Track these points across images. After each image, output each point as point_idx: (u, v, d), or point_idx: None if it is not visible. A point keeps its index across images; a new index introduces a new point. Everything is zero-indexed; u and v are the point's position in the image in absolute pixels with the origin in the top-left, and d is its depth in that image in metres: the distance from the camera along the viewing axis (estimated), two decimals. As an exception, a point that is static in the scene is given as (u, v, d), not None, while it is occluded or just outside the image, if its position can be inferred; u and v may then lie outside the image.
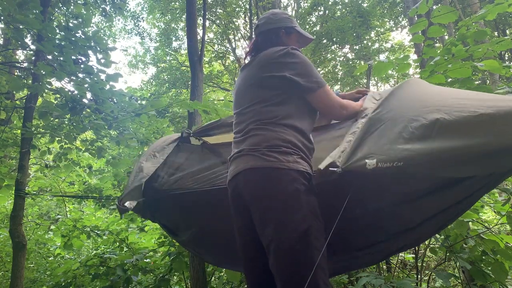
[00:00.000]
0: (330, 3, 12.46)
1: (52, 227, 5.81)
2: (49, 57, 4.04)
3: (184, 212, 2.14)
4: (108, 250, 4.27)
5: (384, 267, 3.14)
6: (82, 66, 3.93)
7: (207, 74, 13.79)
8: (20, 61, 5.83)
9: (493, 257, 2.13)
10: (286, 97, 1.37)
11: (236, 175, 1.33)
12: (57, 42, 3.78)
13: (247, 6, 11.92)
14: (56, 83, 4.47)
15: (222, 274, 3.54)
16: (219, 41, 14.51)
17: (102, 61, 4.07)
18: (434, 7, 2.63)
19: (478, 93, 1.19)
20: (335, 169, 1.09)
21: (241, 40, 13.94)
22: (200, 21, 8.88)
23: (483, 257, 2.19)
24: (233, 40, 14.06)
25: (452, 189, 1.26)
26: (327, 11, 12.52)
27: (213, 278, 3.61)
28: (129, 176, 2.18)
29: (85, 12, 4.70)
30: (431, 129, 1.03)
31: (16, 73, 5.41)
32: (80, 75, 3.93)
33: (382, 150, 1.07)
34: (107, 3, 6.31)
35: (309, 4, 12.73)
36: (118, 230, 4.24)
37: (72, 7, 5.41)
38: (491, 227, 2.50)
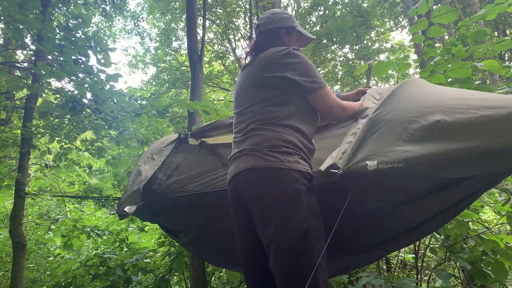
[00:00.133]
0: (330, 3, 12.46)
1: (52, 227, 5.81)
2: (49, 57, 4.04)
3: (184, 214, 2.14)
4: (108, 250, 4.27)
5: (384, 267, 3.14)
6: (82, 66, 3.93)
7: (207, 74, 13.79)
8: (20, 61, 5.82)
9: (493, 257, 2.13)
10: (286, 98, 1.37)
11: (236, 175, 1.33)
12: (57, 42, 3.78)
13: (247, 6, 11.92)
14: (56, 83, 4.47)
15: (222, 274, 3.54)
16: (219, 41, 14.52)
17: (102, 61, 4.07)
18: (434, 7, 2.63)
19: (479, 92, 1.19)
20: (336, 170, 1.09)
21: (241, 40, 13.95)
22: (200, 21, 8.88)
23: (483, 257, 2.19)
24: (233, 40, 14.07)
25: (452, 189, 1.26)
26: (327, 11, 12.52)
27: (213, 278, 3.61)
28: (128, 179, 2.18)
29: (85, 12, 4.70)
30: (431, 130, 1.03)
31: (16, 73, 5.40)
32: (80, 75, 3.93)
33: (383, 151, 1.07)
34: (107, 3, 6.31)
35: (309, 4, 12.73)
36: (118, 230, 4.24)
37: (72, 7, 5.41)
38: (491, 227, 2.50)
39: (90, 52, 3.99)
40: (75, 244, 4.46)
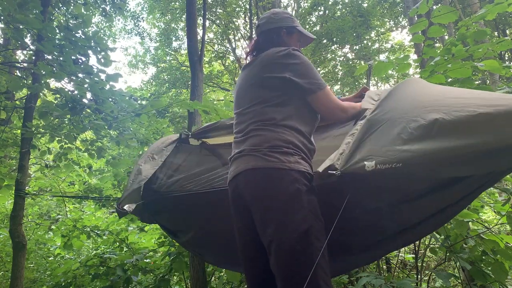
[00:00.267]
0: (330, 3, 12.46)
1: (52, 227, 5.81)
2: (49, 57, 4.04)
3: (183, 214, 2.14)
4: (108, 250, 4.27)
5: (384, 267, 3.14)
6: (82, 66, 3.93)
7: (207, 74, 13.79)
8: (20, 61, 5.82)
9: (493, 257, 2.13)
10: (286, 98, 1.37)
11: (236, 175, 1.33)
12: (57, 42, 3.78)
13: (247, 6, 11.92)
14: (56, 83, 4.47)
15: (222, 274, 3.54)
16: (219, 41, 14.52)
17: (102, 60, 4.07)
18: (434, 7, 2.63)
19: (477, 91, 1.19)
20: (334, 171, 1.09)
21: (241, 40, 13.95)
22: (200, 21, 8.88)
23: (483, 257, 2.19)
24: (233, 40, 14.06)
25: (451, 189, 1.26)
26: (327, 11, 12.52)
27: (213, 278, 3.61)
28: (128, 179, 2.19)
29: (85, 12, 4.70)
30: (430, 129, 1.02)
31: (16, 73, 5.40)
32: (80, 75, 3.93)
33: (381, 152, 1.07)
34: (107, 3, 6.31)
35: (309, 4, 12.73)
36: (118, 230, 4.24)
37: (72, 7, 5.41)
38: (491, 227, 2.50)
39: (90, 52, 3.99)
40: (75, 244, 4.46)
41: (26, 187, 4.24)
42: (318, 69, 12.23)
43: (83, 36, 3.99)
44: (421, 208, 1.39)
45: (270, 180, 1.24)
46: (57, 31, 3.82)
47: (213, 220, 1.99)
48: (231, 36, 13.93)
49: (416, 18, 5.17)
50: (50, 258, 5.92)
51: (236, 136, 1.47)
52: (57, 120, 4.15)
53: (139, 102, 4.91)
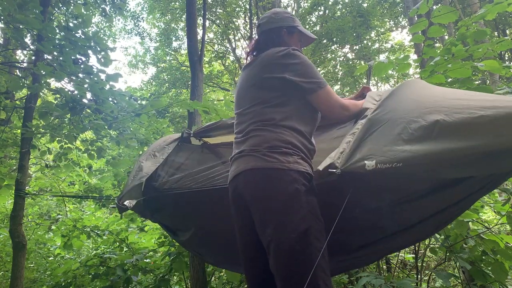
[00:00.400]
0: (330, 3, 12.46)
1: (52, 227, 5.81)
2: (49, 57, 4.04)
3: (184, 212, 2.14)
4: (108, 250, 4.27)
5: (384, 267, 3.14)
6: (82, 66, 3.93)
7: (207, 74, 13.79)
8: (20, 61, 5.82)
9: (493, 257, 2.13)
10: (286, 99, 1.37)
11: (236, 175, 1.34)
12: (57, 42, 3.78)
13: (247, 6, 11.93)
14: (56, 83, 4.47)
15: (222, 274, 3.54)
16: (219, 41, 14.52)
17: (102, 60, 4.07)
18: (434, 7, 2.63)
19: (478, 93, 1.18)
20: (334, 170, 1.08)
21: (241, 40, 13.95)
22: (200, 21, 8.88)
23: (483, 257, 2.19)
24: (233, 40, 14.06)
25: (451, 190, 1.26)
26: (327, 11, 12.52)
27: (213, 278, 3.61)
28: (129, 175, 2.19)
29: (85, 12, 4.70)
30: (430, 130, 1.02)
31: (16, 73, 5.41)
32: (80, 75, 3.93)
33: (381, 151, 1.07)
34: (107, 3, 6.31)
35: (309, 4, 12.73)
36: (118, 230, 4.24)
37: (72, 7, 5.41)
38: (491, 227, 2.50)
39: (90, 52, 3.99)
40: (75, 244, 4.46)
41: (26, 187, 4.24)
42: (318, 69, 12.24)
43: (83, 36, 3.99)
44: (421, 209, 1.39)
45: (269, 180, 1.24)
46: (57, 31, 3.82)
47: (213, 219, 1.99)
48: (231, 36, 13.93)
49: (416, 18, 5.17)
50: (50, 258, 5.92)
51: (236, 136, 1.47)
52: (57, 120, 4.15)
53: (139, 102, 4.91)
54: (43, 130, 4.15)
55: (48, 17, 4.52)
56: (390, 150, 1.05)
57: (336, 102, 1.41)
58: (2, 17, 3.89)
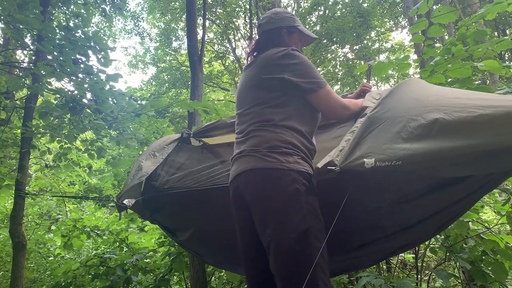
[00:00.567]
0: (330, 3, 12.46)
1: (52, 227, 5.81)
2: (49, 57, 4.04)
3: (184, 211, 2.14)
4: (108, 250, 4.27)
5: (384, 267, 3.14)
6: (82, 66, 3.93)
7: (207, 74, 13.79)
8: (20, 61, 5.82)
9: (493, 257, 2.13)
10: (286, 99, 1.37)
11: (237, 175, 1.34)
12: (57, 42, 3.78)
13: (247, 6, 11.93)
14: (56, 83, 4.47)
15: (222, 274, 3.54)
16: (219, 41, 14.51)
17: (102, 60, 4.07)
18: (434, 7, 2.63)
19: (478, 92, 1.19)
20: (333, 167, 1.09)
21: (241, 40, 13.95)
22: (200, 21, 8.88)
23: (483, 257, 2.19)
24: (233, 40, 14.06)
25: (450, 189, 1.26)
26: (327, 11, 12.52)
27: (213, 278, 3.61)
28: (128, 175, 2.19)
29: (85, 12, 4.70)
30: (430, 129, 1.03)
31: (16, 73, 5.41)
32: (80, 75, 3.94)
33: (381, 149, 1.07)
34: (107, 3, 6.31)
35: (309, 4, 12.73)
36: (118, 230, 4.24)
37: (72, 7, 5.41)
38: (491, 227, 2.50)
39: (90, 52, 3.99)
40: (75, 244, 4.46)
41: (26, 187, 4.24)
42: (318, 69, 12.24)
43: (83, 36, 4.00)
44: (420, 208, 1.39)
45: (269, 180, 1.24)
46: (57, 31, 3.82)
47: (213, 219, 1.99)
48: (231, 36, 13.93)
49: (416, 18, 5.17)
50: (50, 258, 5.92)
51: (237, 136, 1.47)
52: (57, 120, 4.15)
53: (139, 102, 4.91)
54: (43, 130, 4.15)
55: (48, 17, 4.52)
56: (390, 148, 1.05)
57: (336, 101, 1.41)
58: (2, 17, 3.89)
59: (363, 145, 1.13)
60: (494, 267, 2.08)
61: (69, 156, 4.55)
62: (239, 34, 13.94)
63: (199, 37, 5.95)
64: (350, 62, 12.71)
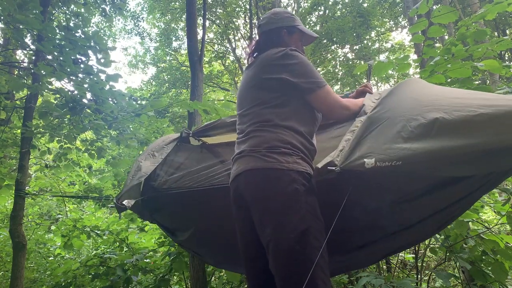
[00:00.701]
0: (330, 3, 12.46)
1: (52, 227, 5.81)
2: (49, 57, 4.04)
3: (183, 211, 2.14)
4: (108, 250, 4.27)
5: (384, 267, 3.14)
6: (82, 66, 3.93)
7: (207, 74, 13.79)
8: (20, 61, 5.82)
9: (493, 257, 2.13)
10: (285, 99, 1.37)
11: (237, 175, 1.34)
12: (57, 42, 3.78)
13: (247, 6, 11.93)
14: (56, 83, 4.47)
15: (222, 274, 3.54)
16: (219, 41, 14.51)
17: (102, 60, 4.07)
18: (434, 7, 2.63)
19: (478, 92, 1.19)
20: (333, 168, 1.08)
21: (241, 40, 13.95)
22: (200, 21, 8.88)
23: (483, 257, 2.19)
24: (233, 40, 14.07)
25: (450, 188, 1.26)
26: (327, 11, 12.52)
27: (213, 278, 3.61)
28: (128, 175, 2.19)
29: (85, 12, 4.70)
30: (430, 128, 1.02)
31: (16, 73, 5.41)
32: (80, 75, 3.93)
33: (381, 149, 1.07)
34: (107, 3, 6.31)
35: (309, 4, 12.73)
36: (118, 230, 4.24)
37: (72, 7, 5.41)
38: (491, 227, 2.50)
39: (90, 52, 3.99)
40: (75, 244, 4.46)
41: (26, 187, 4.24)
42: (318, 69, 12.24)
43: (83, 36, 4.00)
44: (421, 208, 1.39)
45: (269, 180, 1.24)
46: (57, 31, 3.82)
47: (212, 219, 1.99)
48: (231, 36, 13.93)
49: (416, 18, 5.17)
50: (50, 258, 5.92)
51: (238, 136, 1.48)
52: (57, 120, 4.15)
53: (139, 102, 4.91)
54: (43, 130, 4.15)
55: (48, 17, 4.52)
56: (390, 148, 1.05)
57: (335, 101, 1.40)
58: (2, 17, 3.89)
59: (363, 145, 1.13)
60: (494, 267, 2.07)
61: (69, 156, 4.55)
62: (239, 34, 13.95)
63: (199, 37, 5.95)
64: (350, 62, 12.71)
